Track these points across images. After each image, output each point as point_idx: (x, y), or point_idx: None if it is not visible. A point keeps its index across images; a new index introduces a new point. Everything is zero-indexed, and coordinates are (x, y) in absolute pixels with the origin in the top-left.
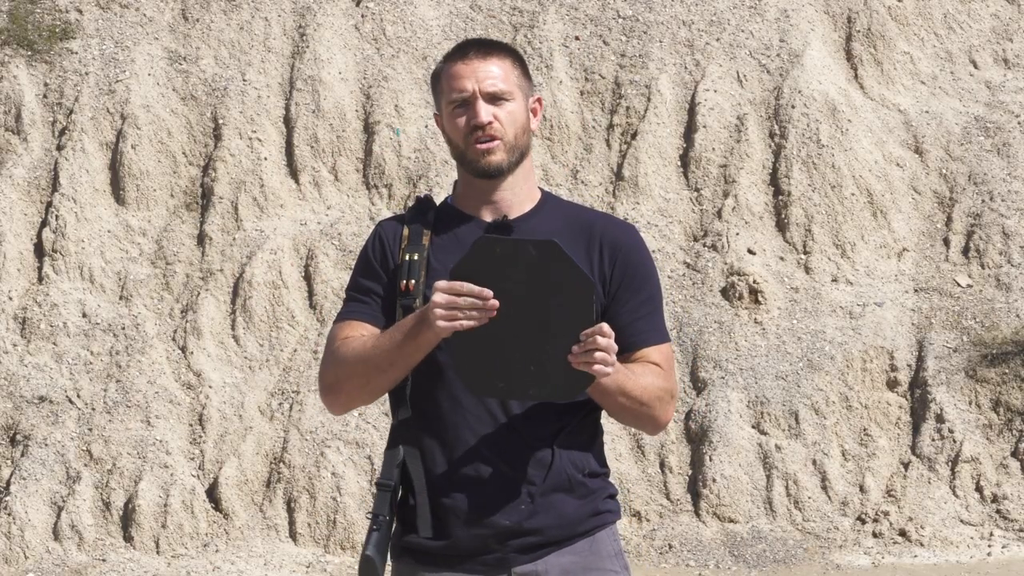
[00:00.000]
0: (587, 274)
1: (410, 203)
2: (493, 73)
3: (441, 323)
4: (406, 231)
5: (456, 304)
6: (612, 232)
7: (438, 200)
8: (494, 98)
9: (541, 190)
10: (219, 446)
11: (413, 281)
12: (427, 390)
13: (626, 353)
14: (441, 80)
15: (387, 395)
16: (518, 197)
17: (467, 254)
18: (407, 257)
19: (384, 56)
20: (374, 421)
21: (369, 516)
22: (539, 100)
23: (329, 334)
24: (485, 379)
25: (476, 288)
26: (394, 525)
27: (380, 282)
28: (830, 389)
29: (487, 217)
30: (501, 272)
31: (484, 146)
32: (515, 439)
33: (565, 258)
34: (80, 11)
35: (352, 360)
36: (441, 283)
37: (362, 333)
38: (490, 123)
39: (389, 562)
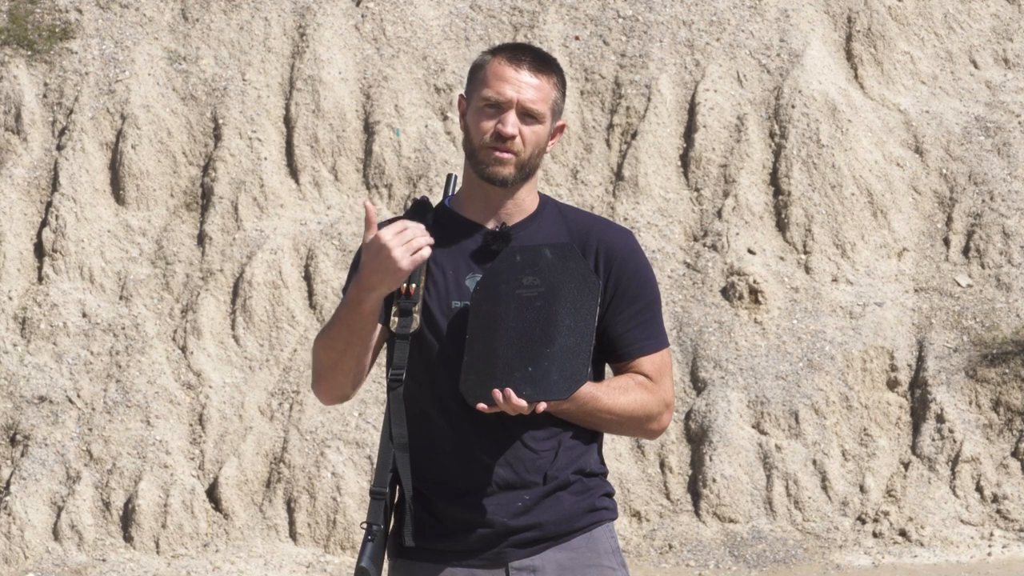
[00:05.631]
0: (595, 275)
1: (410, 204)
2: (538, 90)
3: (404, 261)
4: None
5: (407, 239)
6: (608, 239)
7: (434, 202)
8: (527, 114)
9: (539, 194)
10: (219, 446)
11: (414, 285)
12: (420, 397)
13: (621, 363)
14: (485, 71)
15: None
16: (519, 207)
17: (494, 265)
18: None
19: (384, 56)
20: (374, 421)
21: (364, 526)
22: (562, 127)
23: None
24: (482, 388)
25: (413, 223)
26: (391, 523)
27: None
28: (830, 389)
29: (486, 223)
30: (520, 280)
31: (499, 155)
32: (513, 443)
33: (579, 259)
34: (80, 11)
35: (319, 350)
36: (383, 231)
37: None
38: (513, 137)
39: (386, 561)
